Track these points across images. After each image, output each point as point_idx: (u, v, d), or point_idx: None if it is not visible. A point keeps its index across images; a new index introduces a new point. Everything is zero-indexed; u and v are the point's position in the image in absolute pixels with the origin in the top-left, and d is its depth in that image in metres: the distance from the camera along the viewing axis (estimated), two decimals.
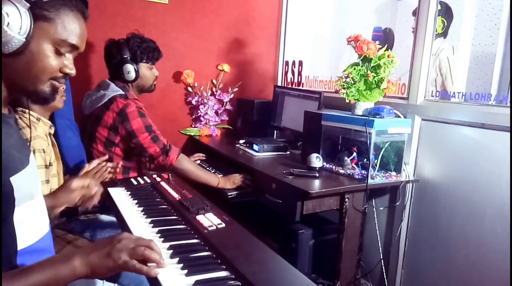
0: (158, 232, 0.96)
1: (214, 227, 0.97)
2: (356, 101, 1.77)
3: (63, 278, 0.71)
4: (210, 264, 0.81)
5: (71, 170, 1.59)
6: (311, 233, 1.82)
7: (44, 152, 1.26)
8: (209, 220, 1.02)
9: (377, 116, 1.67)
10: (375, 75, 1.72)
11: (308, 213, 1.62)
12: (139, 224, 1.02)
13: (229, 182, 1.89)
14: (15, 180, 0.74)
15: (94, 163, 1.51)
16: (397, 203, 1.88)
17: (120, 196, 1.25)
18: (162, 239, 0.93)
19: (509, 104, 1.55)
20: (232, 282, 0.74)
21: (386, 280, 1.94)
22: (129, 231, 0.99)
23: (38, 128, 1.31)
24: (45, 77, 0.77)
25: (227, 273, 0.78)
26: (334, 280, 1.75)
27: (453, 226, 1.72)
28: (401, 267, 1.96)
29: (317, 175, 1.71)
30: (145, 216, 1.07)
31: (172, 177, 1.41)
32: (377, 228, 1.92)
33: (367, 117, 1.65)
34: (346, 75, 1.79)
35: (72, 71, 0.81)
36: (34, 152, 1.24)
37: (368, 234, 1.96)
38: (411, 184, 1.83)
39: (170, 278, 0.75)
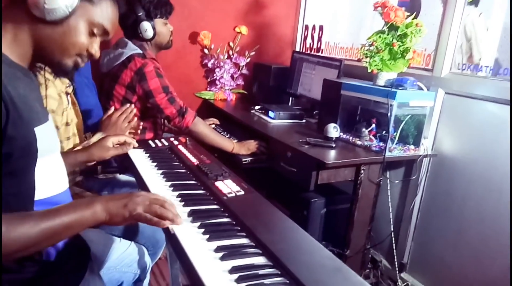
0: (178, 196, 0.97)
1: (233, 194, 0.98)
2: (379, 71, 1.72)
3: (85, 221, 0.75)
4: (230, 230, 0.82)
5: (89, 128, 1.60)
6: (323, 202, 1.83)
7: (53, 112, 1.26)
8: (228, 187, 1.02)
9: (400, 88, 1.62)
10: (401, 44, 1.65)
11: (322, 183, 1.62)
12: (159, 187, 1.03)
13: (243, 148, 1.89)
14: (38, 131, 0.77)
15: (119, 110, 1.51)
16: (413, 177, 1.87)
17: (139, 157, 1.26)
18: (183, 203, 0.93)
19: None
20: (253, 250, 0.75)
21: (395, 250, 1.96)
22: (147, 191, 1.00)
23: (50, 88, 1.29)
24: (73, 51, 0.82)
25: (247, 240, 0.78)
26: (344, 248, 1.78)
27: (468, 202, 1.71)
28: (411, 239, 1.98)
29: (334, 145, 1.70)
30: (165, 179, 1.08)
31: (189, 141, 1.41)
32: (389, 200, 1.92)
33: (390, 89, 1.61)
34: (370, 43, 1.72)
35: (97, 53, 0.86)
36: None
37: (380, 206, 1.96)
38: (428, 158, 1.81)
39: (192, 243, 0.76)
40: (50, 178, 0.82)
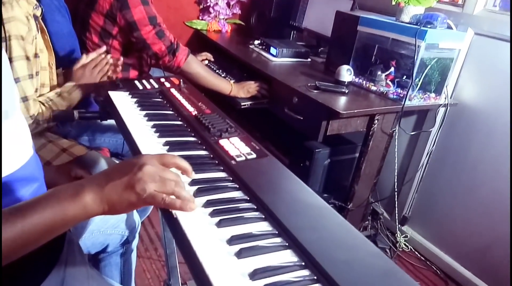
0: None
1: (243, 158, 0.79)
2: (405, 3, 1.46)
3: (72, 218, 0.54)
4: (245, 210, 0.64)
5: (62, 62, 1.35)
6: (327, 152, 1.68)
7: (23, 39, 1.00)
8: (236, 147, 0.83)
9: (429, 26, 1.39)
10: None
11: (332, 134, 1.45)
12: (151, 145, 0.83)
13: (242, 91, 1.67)
14: None
15: (92, 55, 1.27)
16: (431, 129, 1.71)
17: (124, 103, 1.04)
18: None
19: None
20: (277, 240, 0.59)
21: (396, 203, 1.88)
22: (138, 153, 0.80)
23: (15, 7, 1.02)
24: None
25: (267, 225, 0.62)
26: (347, 202, 1.67)
27: (485, 156, 1.59)
28: (414, 192, 1.88)
29: (346, 91, 1.50)
30: (158, 134, 0.88)
31: (183, 84, 1.19)
32: (395, 150, 1.78)
33: (418, 26, 1.38)
34: None
35: None
36: (9, 39, 0.98)
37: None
38: (445, 108, 1.64)
39: (198, 230, 0.59)
40: (8, 150, 0.59)
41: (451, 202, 1.75)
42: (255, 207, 0.65)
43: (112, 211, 0.56)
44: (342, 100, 1.45)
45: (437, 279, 1.75)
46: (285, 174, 0.75)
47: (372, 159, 1.59)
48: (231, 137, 0.87)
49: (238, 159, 0.78)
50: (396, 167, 1.83)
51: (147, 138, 0.85)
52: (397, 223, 1.92)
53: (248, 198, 0.68)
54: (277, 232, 0.60)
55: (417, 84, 1.46)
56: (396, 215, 1.90)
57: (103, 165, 1.19)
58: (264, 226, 0.62)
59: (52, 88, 1.22)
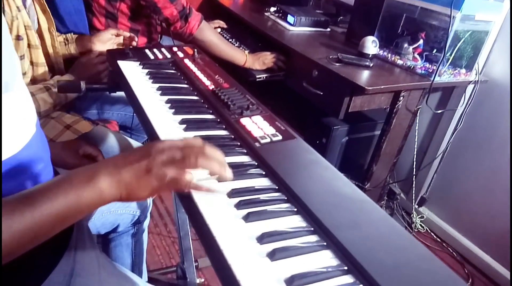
0: None
1: (268, 140, 0.71)
2: None
3: (87, 205, 0.48)
4: (274, 201, 0.57)
5: (67, 27, 1.26)
6: (346, 130, 1.60)
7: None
8: (259, 127, 0.75)
9: None
10: None
11: (354, 111, 1.36)
12: (167, 123, 0.75)
13: (258, 62, 1.56)
14: None
15: (107, 34, 1.18)
16: (459, 107, 1.61)
17: (135, 74, 0.95)
18: None
19: None
20: (312, 238, 0.52)
21: (414, 182, 1.81)
22: (153, 133, 0.73)
23: None
24: None
25: (300, 219, 0.55)
26: (364, 181, 1.60)
27: None
28: (434, 172, 1.81)
29: (371, 65, 1.39)
30: (173, 110, 0.79)
31: (197, 54, 1.09)
32: (416, 128, 1.69)
33: None
34: None
35: None
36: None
37: None
38: (475, 85, 1.53)
39: (224, 224, 0.52)
40: (10, 127, 0.51)
41: (472, 183, 1.67)
42: (286, 198, 0.58)
43: (131, 196, 0.50)
44: (367, 75, 1.35)
45: (454, 261, 1.70)
46: (317, 160, 0.68)
47: (393, 138, 1.51)
48: (253, 116, 0.79)
49: (262, 141, 0.70)
50: (415, 146, 1.75)
51: (162, 115, 0.77)
52: (413, 204, 1.86)
53: (277, 187, 0.60)
54: (312, 229, 0.53)
55: (448, 59, 1.35)
56: (413, 195, 1.84)
57: (111, 141, 1.12)
58: (297, 221, 0.54)
59: (57, 56, 1.13)
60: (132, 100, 0.86)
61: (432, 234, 1.82)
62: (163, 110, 0.80)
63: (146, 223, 1.10)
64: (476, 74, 1.46)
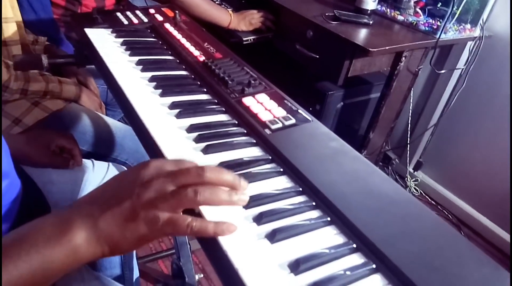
0: (189, 130, 0.57)
1: (279, 124, 0.59)
2: None
3: (59, 268, 0.36)
4: (301, 209, 0.46)
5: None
6: (341, 94, 1.48)
7: None
8: (266, 108, 0.62)
9: None
10: None
11: (353, 75, 1.24)
12: (155, 111, 0.60)
13: (243, 22, 1.40)
14: None
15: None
16: (463, 66, 1.51)
17: (107, 45, 0.79)
18: (199, 144, 0.55)
19: None
20: (350, 248, 0.42)
21: (408, 145, 1.75)
22: (141, 126, 0.58)
23: None
24: None
25: (336, 232, 0.44)
26: (361, 149, 1.52)
27: None
28: (430, 135, 1.74)
29: (371, 22, 1.26)
30: (159, 91, 0.65)
31: (179, 17, 0.93)
32: (412, 89, 1.60)
33: None
34: None
35: None
36: None
37: None
38: (478, 41, 1.43)
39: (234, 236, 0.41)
40: None
41: (471, 146, 1.62)
42: (314, 204, 0.47)
43: (115, 251, 0.37)
44: (367, 34, 1.22)
45: (449, 224, 1.68)
46: (343, 149, 0.57)
47: (393, 102, 1.41)
48: (257, 94, 0.66)
49: (273, 127, 0.58)
50: (410, 108, 1.67)
51: (147, 99, 0.63)
52: (408, 167, 1.81)
53: (301, 189, 0.49)
54: (355, 247, 0.43)
55: (455, 14, 1.23)
56: (408, 159, 1.79)
57: (85, 121, 0.97)
58: (331, 234, 0.44)
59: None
60: (106, 77, 0.71)
61: (427, 197, 1.79)
62: (147, 91, 0.65)
63: None
64: (480, 30, 1.36)
